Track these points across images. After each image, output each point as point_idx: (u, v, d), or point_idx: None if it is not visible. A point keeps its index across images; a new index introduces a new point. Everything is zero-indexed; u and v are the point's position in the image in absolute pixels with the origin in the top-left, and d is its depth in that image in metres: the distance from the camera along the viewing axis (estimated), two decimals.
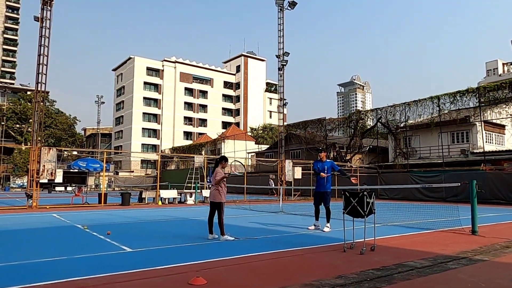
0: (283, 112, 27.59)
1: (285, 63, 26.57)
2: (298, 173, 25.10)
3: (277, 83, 29.21)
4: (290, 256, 6.14)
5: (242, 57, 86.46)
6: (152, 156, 64.73)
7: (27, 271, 5.14)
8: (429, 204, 20.09)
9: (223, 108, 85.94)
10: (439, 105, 28.43)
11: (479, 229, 8.50)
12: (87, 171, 36.53)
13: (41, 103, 18.46)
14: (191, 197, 21.20)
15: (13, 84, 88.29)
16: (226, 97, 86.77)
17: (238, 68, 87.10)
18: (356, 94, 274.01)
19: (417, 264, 5.45)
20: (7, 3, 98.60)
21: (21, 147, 54.74)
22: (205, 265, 5.40)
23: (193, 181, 23.67)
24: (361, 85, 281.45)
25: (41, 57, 17.91)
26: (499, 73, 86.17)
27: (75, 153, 57.25)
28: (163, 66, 78.09)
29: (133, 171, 63.03)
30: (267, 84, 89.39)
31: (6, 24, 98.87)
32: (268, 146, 52.81)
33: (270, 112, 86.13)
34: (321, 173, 9.16)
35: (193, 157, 25.67)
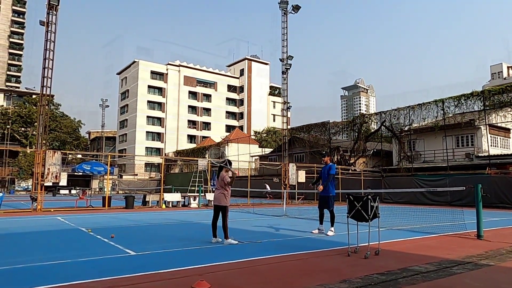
0: (287, 115, 27.59)
1: (289, 67, 26.61)
2: (302, 176, 25.05)
3: (280, 87, 29.22)
4: (294, 260, 6.12)
5: (246, 60, 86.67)
6: (156, 160, 64.91)
7: (32, 274, 5.15)
8: (434, 208, 19.96)
9: (226, 112, 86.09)
10: (443, 108, 28.32)
11: (485, 233, 8.43)
12: (91, 174, 36.65)
13: (46, 107, 18.58)
14: (194, 200, 21.22)
15: (18, 87, 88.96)
16: (230, 101, 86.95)
17: (242, 72, 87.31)
18: (360, 97, 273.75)
19: (422, 268, 5.41)
20: (13, 7, 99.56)
21: (26, 151, 55.10)
22: (208, 269, 5.39)
23: (196, 184, 23.69)
24: (365, 88, 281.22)
25: (47, 61, 18.05)
26: (504, 77, 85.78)
27: (79, 156, 57.53)
28: (167, 69, 78.42)
29: (137, 174, 63.24)
30: (271, 87, 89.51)
31: (12, 28, 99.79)
32: (272, 149, 52.80)
33: (274, 115, 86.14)
34: (319, 187, 9.27)
35: (197, 160, 25.71)
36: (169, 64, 79.08)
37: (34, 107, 64.56)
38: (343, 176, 27.03)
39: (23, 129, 65.40)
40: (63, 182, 18.01)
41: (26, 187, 50.68)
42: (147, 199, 20.70)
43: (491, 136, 29.01)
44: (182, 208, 19.50)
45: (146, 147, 74.81)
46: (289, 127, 35.16)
